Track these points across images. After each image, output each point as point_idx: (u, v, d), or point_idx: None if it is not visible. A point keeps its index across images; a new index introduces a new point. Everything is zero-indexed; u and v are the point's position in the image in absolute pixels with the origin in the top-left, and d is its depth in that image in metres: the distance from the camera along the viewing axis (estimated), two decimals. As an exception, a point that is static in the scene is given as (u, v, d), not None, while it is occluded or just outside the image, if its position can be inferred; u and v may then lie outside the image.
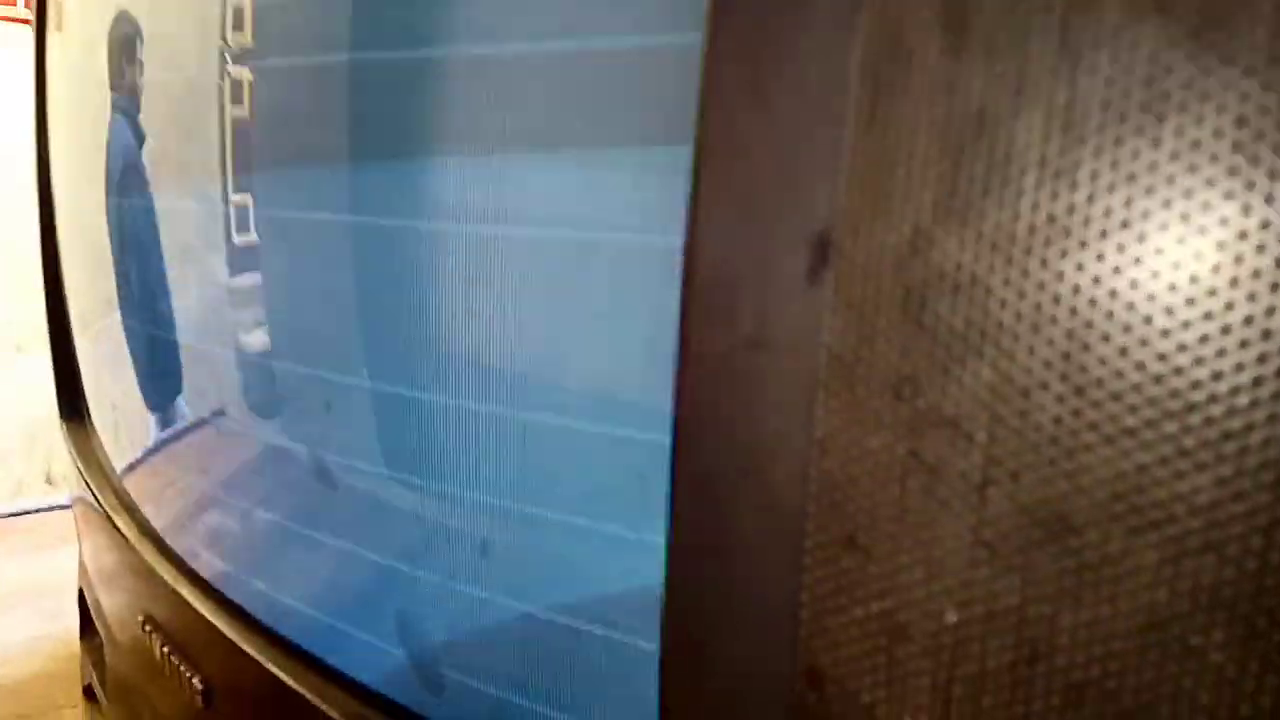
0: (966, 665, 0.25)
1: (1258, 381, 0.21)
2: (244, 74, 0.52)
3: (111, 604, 0.79)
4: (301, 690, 0.49)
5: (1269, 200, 0.20)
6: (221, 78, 0.53)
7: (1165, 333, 0.22)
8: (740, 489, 0.28)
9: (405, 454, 0.46)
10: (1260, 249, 0.21)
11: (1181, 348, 0.22)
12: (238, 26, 0.51)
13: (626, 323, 0.36)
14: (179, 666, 0.61)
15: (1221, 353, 0.22)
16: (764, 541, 0.28)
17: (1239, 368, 0.21)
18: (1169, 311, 0.22)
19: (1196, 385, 0.22)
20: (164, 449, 0.71)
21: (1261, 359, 0.21)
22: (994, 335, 0.23)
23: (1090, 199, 0.22)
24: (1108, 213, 0.22)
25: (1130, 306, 0.22)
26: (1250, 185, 0.20)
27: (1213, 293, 0.21)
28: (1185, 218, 0.21)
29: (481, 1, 0.40)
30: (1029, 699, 0.24)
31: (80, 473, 0.83)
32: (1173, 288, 0.22)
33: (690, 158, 0.27)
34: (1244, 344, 0.21)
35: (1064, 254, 0.22)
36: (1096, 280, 0.22)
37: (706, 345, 0.28)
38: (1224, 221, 0.21)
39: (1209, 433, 0.22)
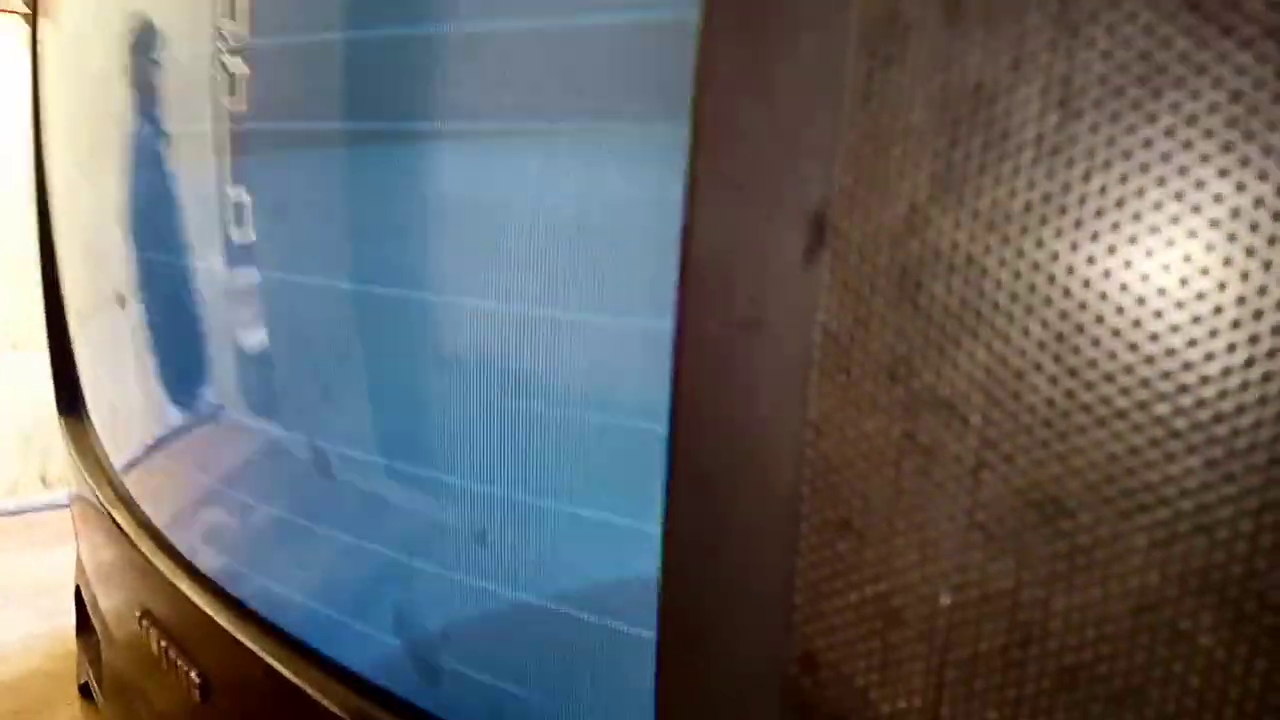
0: (960, 648, 0.25)
1: (1249, 362, 0.21)
2: (239, 63, 0.52)
3: (109, 600, 0.79)
4: (298, 682, 0.49)
5: (1263, 176, 0.20)
6: (215, 66, 0.53)
7: (1158, 313, 0.22)
8: (736, 472, 0.28)
9: (402, 443, 0.46)
10: (1254, 227, 0.21)
11: (1174, 328, 0.22)
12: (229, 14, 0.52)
13: (623, 307, 0.36)
14: (176, 661, 0.61)
15: (1214, 333, 0.21)
16: (759, 525, 0.28)
17: (1231, 348, 0.21)
18: (1162, 291, 0.22)
19: (1188, 366, 0.22)
20: (163, 445, 0.71)
21: (1253, 339, 0.21)
22: (989, 316, 0.23)
23: (1086, 176, 0.22)
24: (1103, 190, 0.22)
25: (1124, 286, 0.22)
26: (1245, 161, 0.21)
27: (1205, 271, 0.21)
28: (1180, 195, 0.21)
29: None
30: (1021, 682, 0.24)
31: (79, 469, 0.83)
32: (1166, 267, 0.22)
33: (687, 137, 0.27)
34: (1236, 324, 0.21)
35: (1059, 233, 0.22)
36: (1091, 260, 0.22)
37: (703, 327, 0.28)
38: (1218, 198, 0.21)
39: (1200, 414, 0.22)
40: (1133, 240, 0.22)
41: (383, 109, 0.44)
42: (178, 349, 0.66)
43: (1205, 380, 0.22)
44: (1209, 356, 0.22)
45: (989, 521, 0.24)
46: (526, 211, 0.38)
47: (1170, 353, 0.22)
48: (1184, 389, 0.22)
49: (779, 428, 0.27)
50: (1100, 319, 0.22)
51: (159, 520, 0.69)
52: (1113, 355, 0.22)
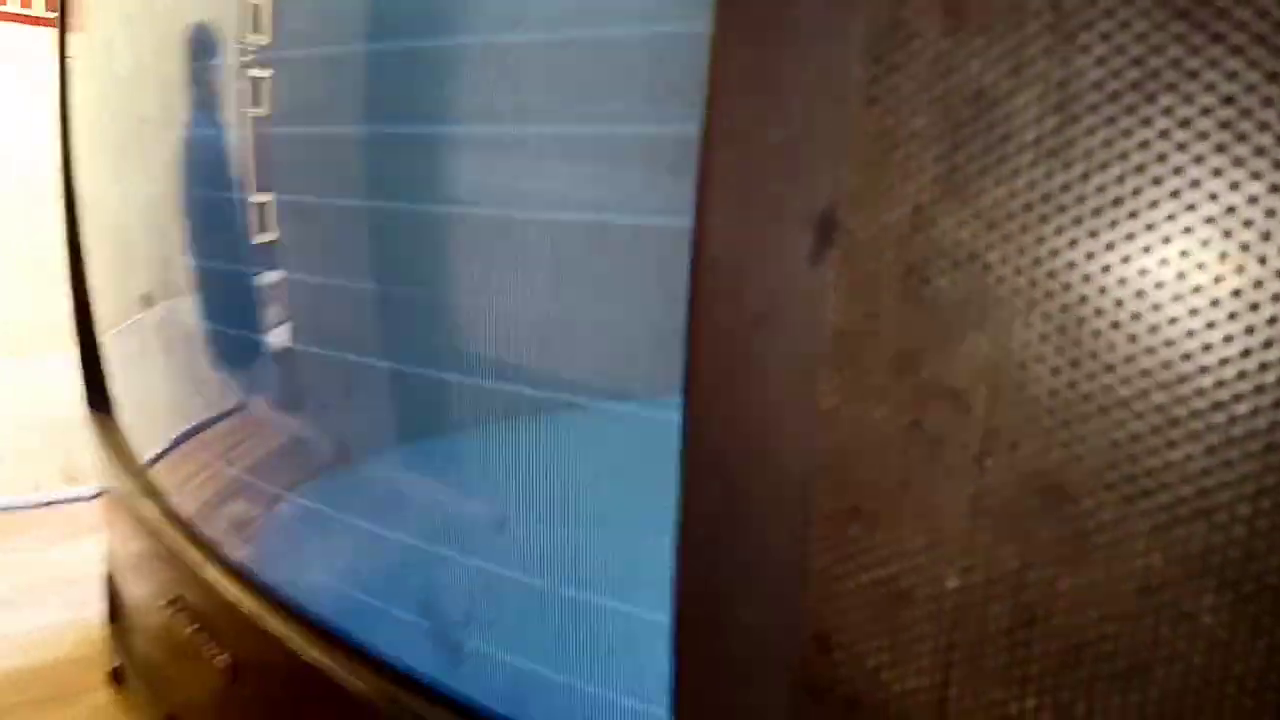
0: (967, 629, 0.26)
1: (1245, 353, 0.22)
2: (264, 71, 0.53)
3: (139, 589, 0.81)
4: (324, 662, 0.51)
5: (1255, 175, 0.21)
6: (241, 74, 0.54)
7: (1157, 306, 0.23)
8: (749, 462, 0.29)
9: (423, 435, 0.48)
10: (1247, 224, 0.22)
11: (1172, 320, 0.23)
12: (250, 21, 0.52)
13: (637, 304, 0.37)
14: (206, 645, 0.63)
15: (1211, 325, 0.22)
16: (772, 512, 0.29)
17: (1228, 339, 0.22)
18: (1160, 285, 0.23)
19: (1187, 357, 0.23)
20: (190, 438, 0.73)
21: (1249, 331, 0.22)
22: (992, 310, 0.24)
23: (1085, 176, 0.23)
24: (1101, 189, 0.23)
25: (1123, 281, 0.23)
26: (1237, 161, 0.21)
27: (1202, 266, 0.22)
28: (1175, 193, 0.22)
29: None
30: (1026, 660, 0.25)
31: (109, 463, 0.85)
32: (1163, 262, 0.22)
33: (698, 141, 0.28)
34: (1232, 316, 0.22)
35: (1059, 230, 0.23)
36: (1090, 255, 0.23)
37: (715, 323, 0.29)
38: (1213, 197, 0.22)
39: (1199, 403, 0.23)
40: (1131, 237, 0.23)
41: (406, 114, 0.45)
42: (205, 346, 0.67)
43: (1203, 370, 0.23)
44: (1206, 347, 0.22)
45: (994, 507, 0.25)
46: (545, 211, 0.39)
47: (1169, 344, 0.23)
48: (1183, 379, 0.23)
49: (790, 418, 0.28)
50: (1100, 312, 0.23)
51: (188, 511, 0.71)
52: (1113, 346, 0.23)
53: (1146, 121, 0.22)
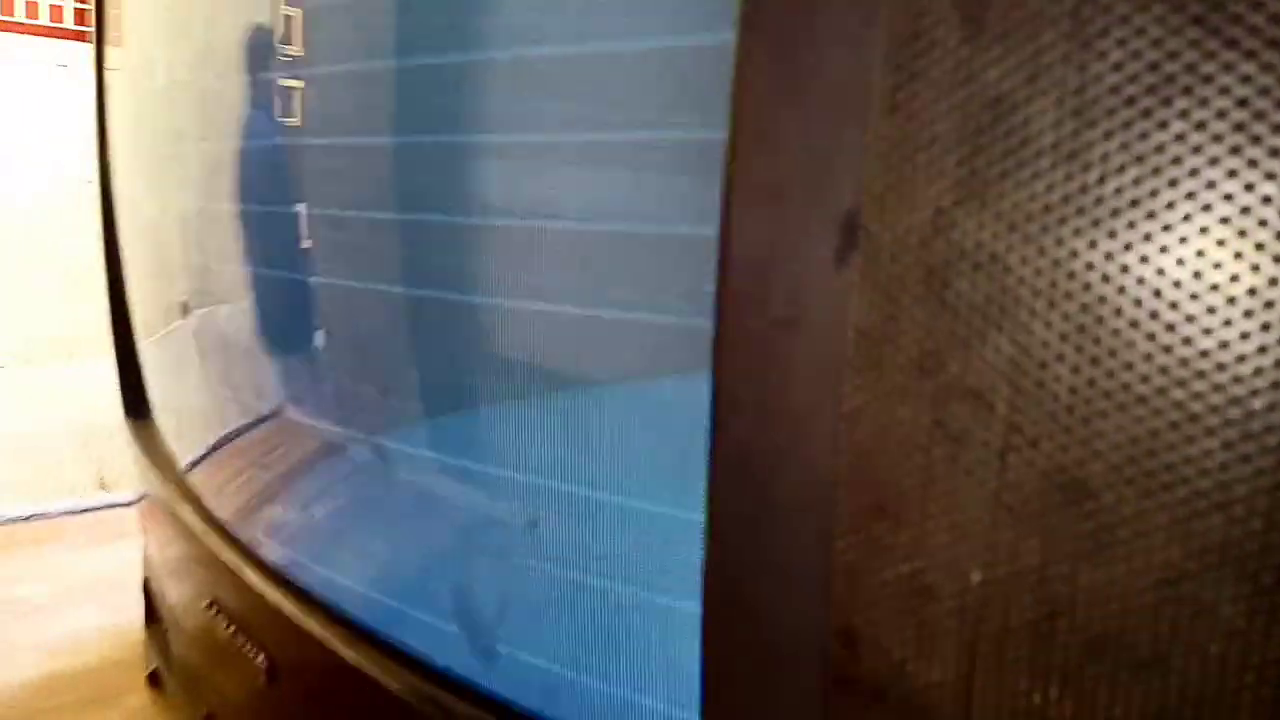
0: (990, 622, 0.26)
1: (1262, 349, 0.23)
2: (298, 83, 0.55)
3: (177, 592, 0.82)
4: (361, 662, 0.52)
5: (1270, 176, 0.22)
6: (276, 87, 0.55)
7: (1175, 304, 0.23)
8: (775, 461, 0.30)
9: (457, 438, 0.49)
10: (1263, 223, 0.22)
11: (1190, 318, 0.23)
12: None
13: (666, 305, 0.38)
14: (244, 647, 0.64)
15: (1228, 322, 0.23)
16: (798, 510, 0.29)
17: (1245, 336, 0.23)
18: (1178, 284, 0.23)
19: (1204, 354, 0.23)
20: (227, 444, 0.74)
21: (1265, 327, 0.22)
22: (1012, 310, 0.25)
23: (1101, 179, 0.23)
24: (1119, 191, 0.23)
25: (1140, 280, 0.23)
26: (1252, 163, 0.22)
27: (1219, 265, 0.23)
28: (1191, 195, 0.23)
29: (529, 9, 0.42)
30: (1050, 653, 0.26)
31: (147, 468, 0.87)
32: (1180, 262, 0.23)
33: (724, 148, 0.29)
34: (1248, 314, 0.23)
35: (1077, 232, 0.24)
36: (1108, 256, 0.24)
37: (741, 326, 0.29)
38: (1228, 198, 0.22)
39: (1216, 398, 0.23)
40: (1148, 238, 0.23)
41: (438, 125, 0.46)
42: (241, 352, 0.69)
43: (1220, 367, 0.23)
44: (1223, 344, 0.23)
45: (1016, 503, 0.26)
46: (576, 217, 0.40)
47: (1187, 341, 0.23)
48: (1200, 375, 0.23)
49: (815, 418, 0.28)
50: (1119, 311, 0.24)
51: (225, 514, 0.72)
52: (1132, 344, 0.24)
53: (1162, 125, 0.22)
